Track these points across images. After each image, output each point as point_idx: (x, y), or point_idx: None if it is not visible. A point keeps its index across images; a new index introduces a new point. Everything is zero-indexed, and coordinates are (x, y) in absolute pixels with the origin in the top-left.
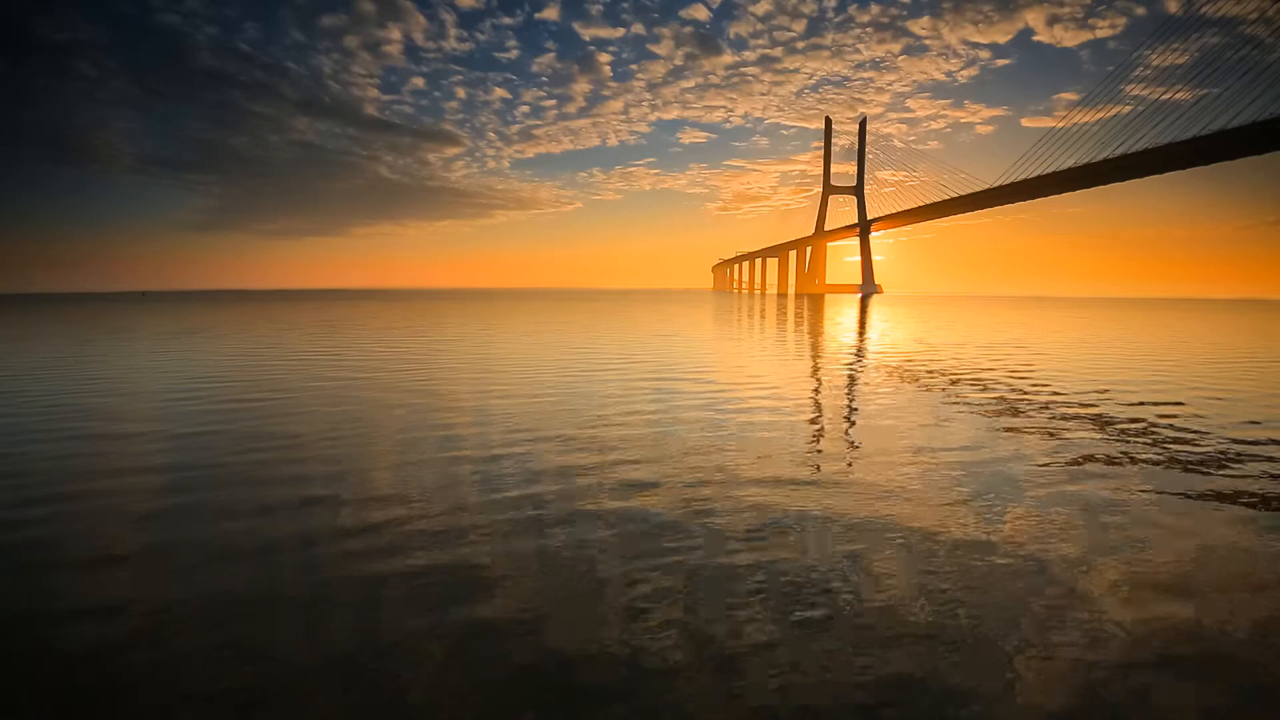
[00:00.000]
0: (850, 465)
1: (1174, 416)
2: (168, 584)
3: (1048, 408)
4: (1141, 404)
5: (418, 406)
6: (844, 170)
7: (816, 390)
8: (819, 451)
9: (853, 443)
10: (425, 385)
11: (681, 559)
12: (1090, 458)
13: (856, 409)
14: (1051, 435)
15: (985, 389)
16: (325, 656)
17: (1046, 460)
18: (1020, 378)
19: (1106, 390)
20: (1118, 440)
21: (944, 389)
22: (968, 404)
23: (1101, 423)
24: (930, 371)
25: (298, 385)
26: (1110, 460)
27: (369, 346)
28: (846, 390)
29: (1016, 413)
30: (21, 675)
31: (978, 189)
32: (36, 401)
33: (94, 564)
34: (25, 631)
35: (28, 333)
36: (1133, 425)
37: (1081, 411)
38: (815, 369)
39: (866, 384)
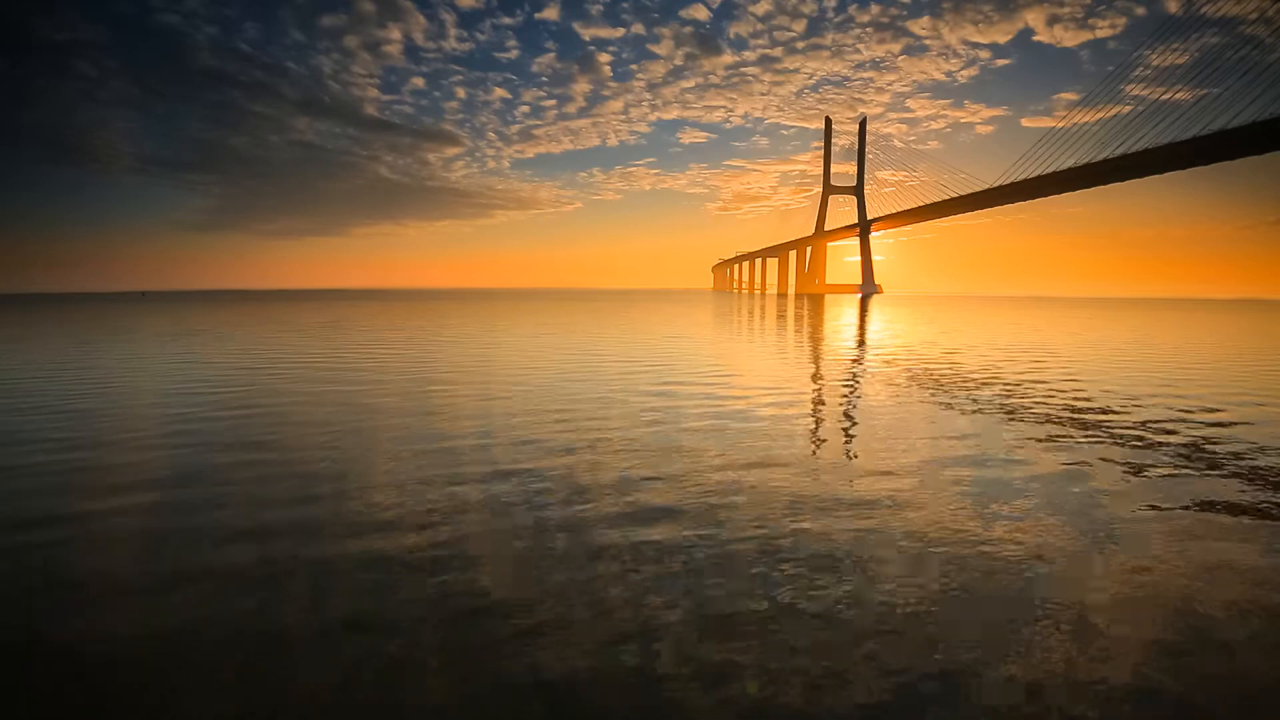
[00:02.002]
0: (937, 505)
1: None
2: (165, 614)
3: (1105, 426)
4: (1223, 424)
5: (420, 416)
6: (844, 170)
7: (848, 407)
8: (879, 496)
9: (918, 477)
10: (427, 390)
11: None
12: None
13: (908, 432)
14: (1139, 471)
15: (1031, 403)
16: (325, 667)
17: (1148, 499)
18: (1060, 389)
19: (1161, 402)
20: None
21: (994, 407)
22: (1025, 425)
23: (1190, 453)
24: (964, 383)
25: (298, 389)
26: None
27: (371, 348)
28: (882, 407)
29: (1078, 435)
30: (20, 675)
31: (978, 189)
32: (36, 403)
33: (89, 587)
34: (24, 630)
35: (28, 333)
36: (1229, 456)
37: (1165, 439)
38: (836, 380)
39: (902, 399)
